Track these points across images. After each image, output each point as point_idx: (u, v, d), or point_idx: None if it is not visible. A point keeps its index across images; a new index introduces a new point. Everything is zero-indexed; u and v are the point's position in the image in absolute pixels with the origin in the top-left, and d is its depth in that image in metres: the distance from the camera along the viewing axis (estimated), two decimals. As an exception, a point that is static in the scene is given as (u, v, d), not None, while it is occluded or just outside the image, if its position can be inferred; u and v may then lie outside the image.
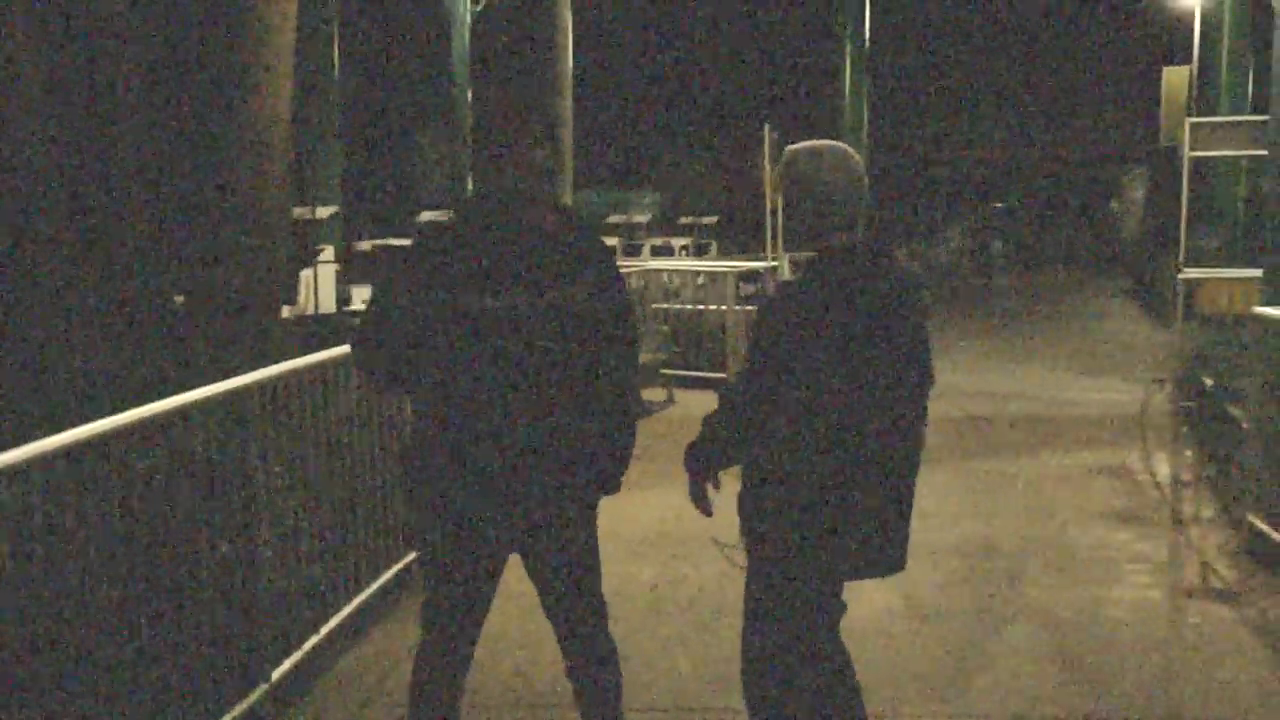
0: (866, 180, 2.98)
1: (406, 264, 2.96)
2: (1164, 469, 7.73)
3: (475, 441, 2.92)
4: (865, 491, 2.88)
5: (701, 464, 3.09)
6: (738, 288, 11.63)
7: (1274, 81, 7.55)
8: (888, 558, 3.00)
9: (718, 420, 3.01)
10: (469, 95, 7.38)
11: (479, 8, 7.39)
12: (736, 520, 3.06)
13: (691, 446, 3.09)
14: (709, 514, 3.12)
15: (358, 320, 3.11)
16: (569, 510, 3.04)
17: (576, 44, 14.04)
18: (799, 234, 2.98)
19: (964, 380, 10.83)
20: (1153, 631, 4.83)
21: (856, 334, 2.83)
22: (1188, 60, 22.68)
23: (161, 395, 3.74)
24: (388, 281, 2.99)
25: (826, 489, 2.85)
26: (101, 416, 3.38)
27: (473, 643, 3.15)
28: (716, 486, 3.12)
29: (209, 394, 3.82)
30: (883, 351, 2.87)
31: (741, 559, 3.08)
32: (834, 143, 3.01)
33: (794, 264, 13.67)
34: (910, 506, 3.02)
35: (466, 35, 7.32)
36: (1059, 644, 4.69)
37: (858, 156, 2.99)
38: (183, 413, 3.69)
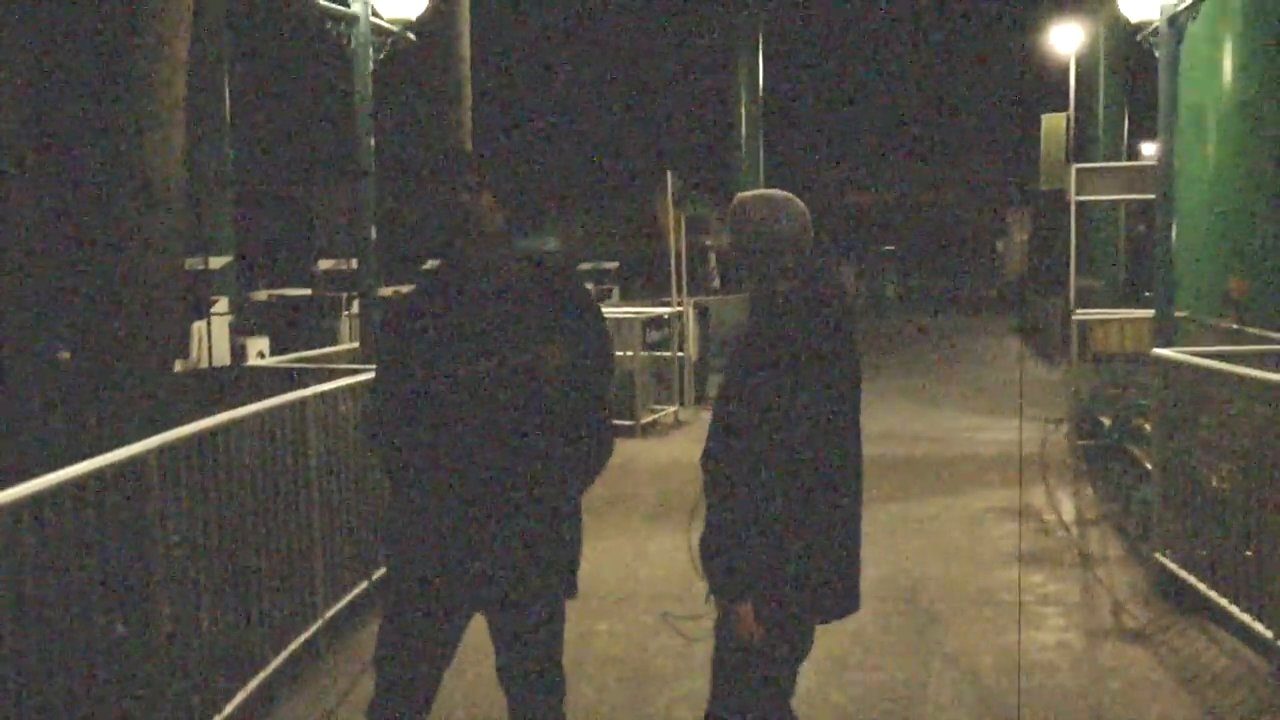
0: (811, 228, 3.01)
1: (382, 338, 3.02)
2: (1068, 508, 7.86)
3: (447, 500, 2.88)
4: (840, 526, 2.90)
5: (745, 580, 2.80)
6: (644, 334, 11.60)
7: (1160, 128, 7.82)
8: (853, 596, 2.99)
9: (742, 516, 2.77)
10: (372, 141, 7.22)
11: (381, 55, 7.25)
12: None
13: (720, 566, 2.80)
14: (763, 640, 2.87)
15: (369, 411, 3.08)
16: (537, 573, 2.95)
17: (475, 90, 13.96)
18: (748, 279, 2.99)
19: (866, 423, 10.91)
20: (1073, 676, 4.84)
21: (831, 372, 2.89)
22: (1064, 107, 23.57)
23: (48, 457, 3.51)
24: (378, 365, 3.03)
25: (808, 527, 2.83)
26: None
27: (428, 703, 3.04)
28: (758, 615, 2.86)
29: (102, 464, 3.59)
30: (849, 389, 2.95)
31: (693, 630, 2.99)
32: (784, 192, 3.05)
33: (697, 308, 13.70)
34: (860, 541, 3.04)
35: (369, 81, 7.17)
36: (982, 692, 4.68)
37: (804, 206, 3.02)
38: (76, 485, 3.46)
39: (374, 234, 7.38)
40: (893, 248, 39.03)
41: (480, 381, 2.83)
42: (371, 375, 3.34)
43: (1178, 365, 5.95)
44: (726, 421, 2.81)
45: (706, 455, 2.83)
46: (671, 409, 11.87)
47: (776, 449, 2.76)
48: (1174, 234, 7.84)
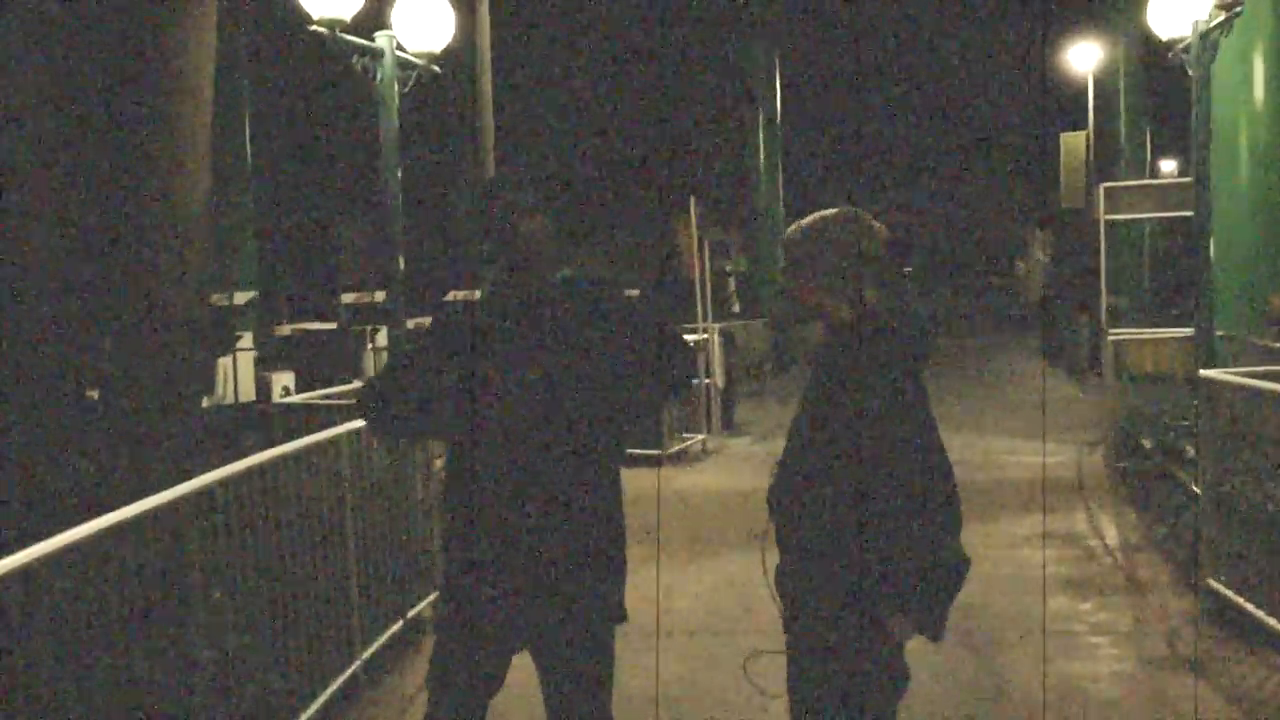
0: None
1: (425, 343, 2.98)
2: (1112, 533, 7.70)
3: (494, 525, 2.85)
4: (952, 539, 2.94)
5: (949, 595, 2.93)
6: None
7: (1194, 144, 7.70)
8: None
9: (931, 534, 2.90)
10: (399, 174, 7.18)
11: (406, 89, 7.23)
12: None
13: (930, 594, 2.91)
14: None
15: (368, 382, 3.15)
16: (584, 608, 2.90)
17: (496, 121, 13.94)
18: (814, 299, 2.99)
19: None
20: (1132, 709, 4.70)
21: (924, 386, 2.93)
22: (1083, 126, 23.42)
23: (80, 499, 3.46)
24: (407, 355, 3.05)
25: (922, 543, 2.89)
26: (19, 533, 3.08)
27: None
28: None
29: (139, 511, 3.51)
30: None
31: (771, 686, 2.92)
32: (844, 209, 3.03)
33: (722, 334, 13.59)
34: None
35: (396, 115, 7.14)
36: (1040, 727, 4.55)
37: None
38: (113, 533, 3.38)
39: (402, 265, 7.32)
40: (910, 269, 38.86)
41: (530, 401, 2.81)
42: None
43: (1225, 386, 5.82)
44: (887, 452, 2.83)
45: (873, 491, 2.85)
46: (699, 437, 11.76)
47: (935, 464, 2.91)
48: (1212, 251, 7.71)
